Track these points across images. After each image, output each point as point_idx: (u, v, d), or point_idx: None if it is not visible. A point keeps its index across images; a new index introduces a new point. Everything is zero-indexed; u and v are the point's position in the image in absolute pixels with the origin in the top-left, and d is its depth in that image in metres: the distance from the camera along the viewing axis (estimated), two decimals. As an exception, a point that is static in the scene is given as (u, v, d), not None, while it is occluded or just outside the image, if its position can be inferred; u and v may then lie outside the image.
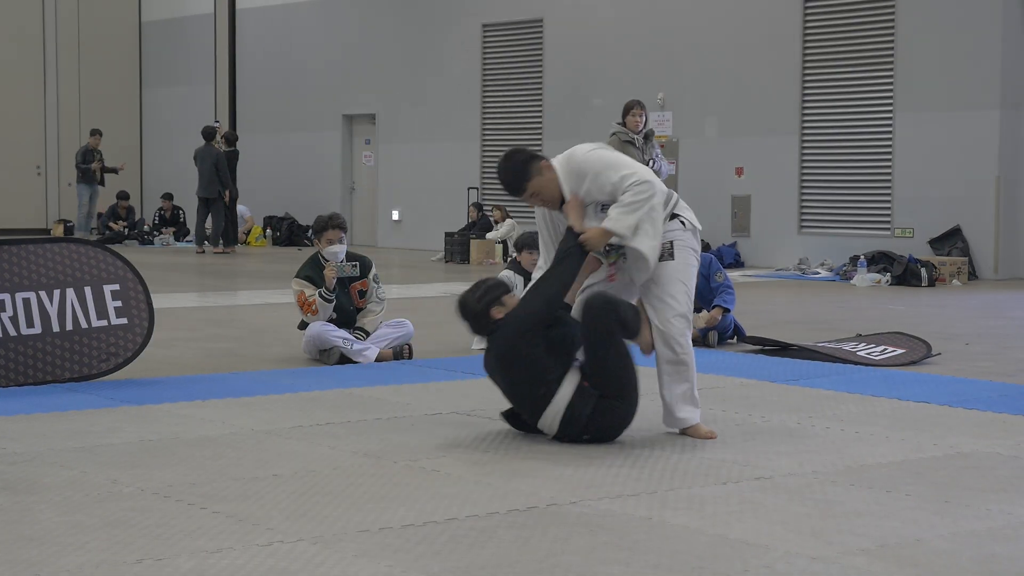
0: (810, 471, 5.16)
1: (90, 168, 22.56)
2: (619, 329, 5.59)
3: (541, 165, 5.76)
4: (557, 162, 5.81)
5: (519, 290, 7.96)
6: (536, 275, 5.91)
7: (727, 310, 9.28)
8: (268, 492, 4.74)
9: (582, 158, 5.76)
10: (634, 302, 5.80)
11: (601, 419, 5.62)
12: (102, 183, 22.95)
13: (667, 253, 5.72)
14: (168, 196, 24.10)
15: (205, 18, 25.92)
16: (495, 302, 5.76)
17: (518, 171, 5.78)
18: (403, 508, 4.51)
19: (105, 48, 26.77)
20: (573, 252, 5.69)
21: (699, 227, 5.89)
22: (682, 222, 5.79)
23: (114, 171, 22.98)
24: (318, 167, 23.73)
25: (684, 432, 5.85)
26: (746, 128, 18.06)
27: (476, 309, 5.78)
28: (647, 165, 11.00)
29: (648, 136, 11.24)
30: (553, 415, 5.61)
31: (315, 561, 3.87)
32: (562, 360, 5.61)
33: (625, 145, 11.13)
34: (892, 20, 16.62)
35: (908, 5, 16.44)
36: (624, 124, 11.19)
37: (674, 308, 5.73)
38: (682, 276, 5.75)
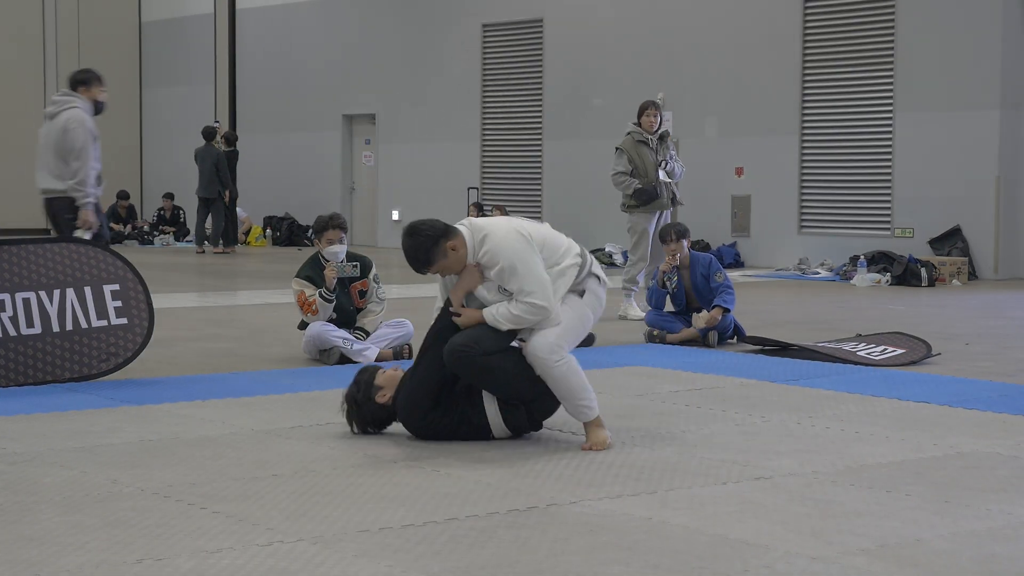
0: (810, 471, 5.16)
1: None
2: (487, 360, 5.52)
3: (447, 247, 5.57)
4: (468, 230, 5.63)
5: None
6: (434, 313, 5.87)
7: (727, 310, 9.29)
8: (268, 492, 4.74)
9: (498, 243, 5.57)
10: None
11: (542, 416, 5.78)
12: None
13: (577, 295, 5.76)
14: (169, 196, 24.12)
15: (205, 18, 25.92)
16: (372, 391, 5.77)
17: (421, 254, 5.60)
18: (403, 508, 4.51)
19: (105, 48, 26.75)
20: (445, 332, 5.65)
21: (607, 286, 5.91)
22: (597, 277, 5.81)
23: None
24: (318, 167, 23.73)
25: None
26: (746, 128, 18.06)
27: (365, 410, 5.80)
28: (660, 166, 11.10)
29: (663, 137, 11.24)
30: (499, 431, 5.71)
31: (315, 561, 3.87)
32: (463, 397, 5.67)
33: (639, 145, 11.13)
34: (892, 20, 16.62)
35: (908, 5, 16.43)
36: (639, 124, 11.19)
37: (552, 332, 5.62)
38: (575, 310, 5.69)
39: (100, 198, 8.52)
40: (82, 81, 8.57)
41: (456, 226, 5.65)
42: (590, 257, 5.86)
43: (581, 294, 5.74)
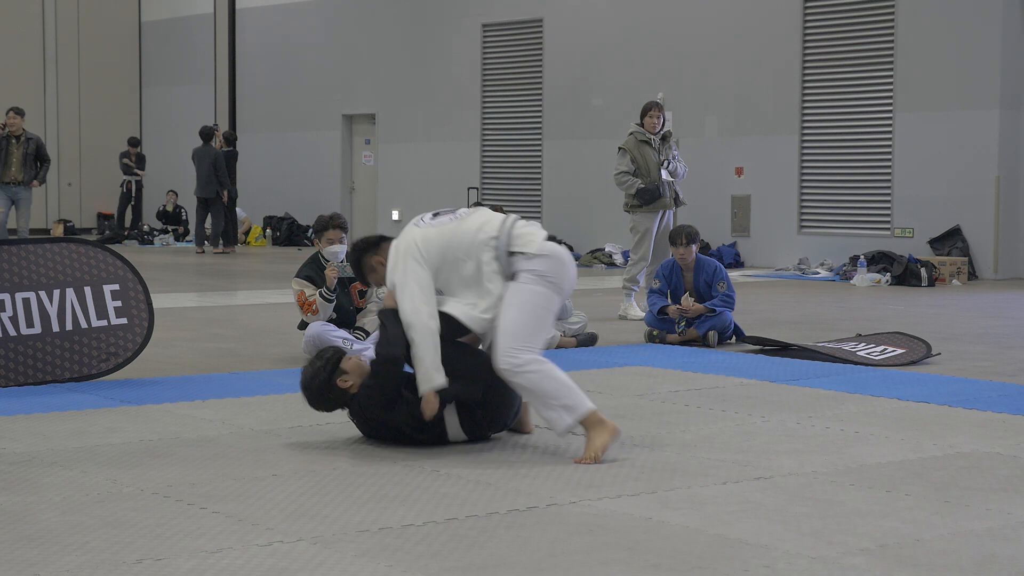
0: (810, 471, 5.16)
1: None
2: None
3: (379, 253, 5.82)
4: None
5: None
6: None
7: (711, 311, 9.28)
8: (268, 492, 4.75)
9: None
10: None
11: (496, 407, 5.62)
12: (37, 180, 17.50)
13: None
14: (172, 192, 24.22)
15: (205, 18, 25.92)
16: (335, 373, 5.54)
17: (361, 254, 5.88)
18: (403, 508, 4.51)
19: (105, 48, 26.75)
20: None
21: (544, 252, 5.44)
22: (522, 252, 5.44)
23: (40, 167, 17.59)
24: (318, 167, 23.73)
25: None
26: (746, 128, 18.05)
27: (318, 384, 5.55)
28: (663, 166, 11.12)
29: (665, 137, 11.24)
30: (454, 431, 5.59)
31: (315, 561, 3.88)
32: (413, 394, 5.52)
33: (641, 145, 11.14)
34: (892, 20, 16.61)
35: (908, 5, 16.43)
36: (642, 125, 11.20)
37: (501, 338, 5.38)
38: (515, 301, 5.40)
39: None
40: None
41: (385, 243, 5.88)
42: (507, 233, 5.46)
43: (513, 277, 5.45)
